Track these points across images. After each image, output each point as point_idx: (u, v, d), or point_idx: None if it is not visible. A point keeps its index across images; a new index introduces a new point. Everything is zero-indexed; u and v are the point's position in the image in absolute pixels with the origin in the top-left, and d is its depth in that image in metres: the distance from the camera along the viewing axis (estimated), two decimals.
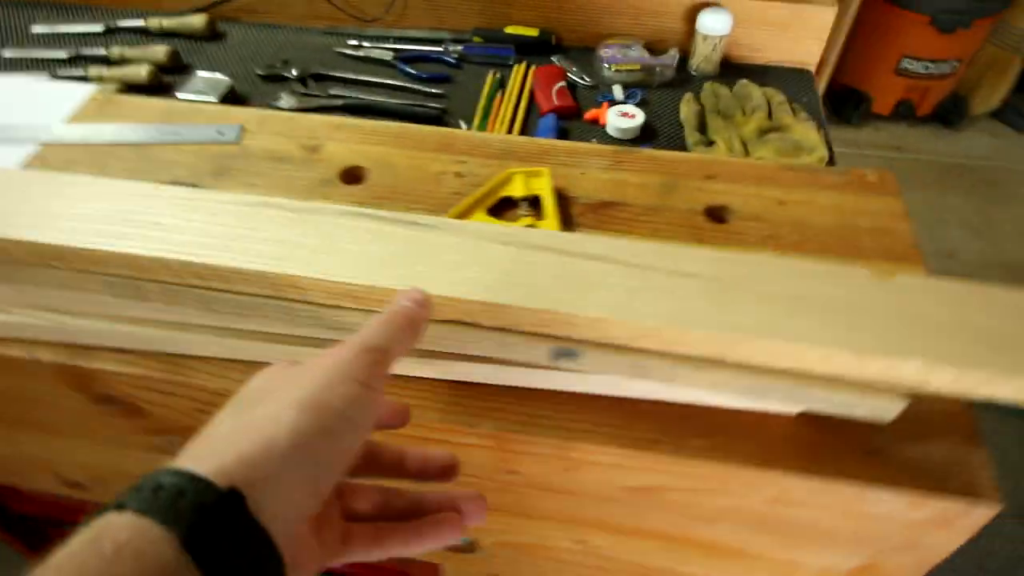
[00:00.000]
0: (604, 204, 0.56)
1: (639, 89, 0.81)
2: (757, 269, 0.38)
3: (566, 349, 0.39)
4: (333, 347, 0.30)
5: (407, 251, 0.39)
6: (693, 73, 0.84)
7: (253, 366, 0.47)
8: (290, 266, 0.39)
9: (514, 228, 0.41)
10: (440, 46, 0.87)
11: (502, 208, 0.56)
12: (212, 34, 0.87)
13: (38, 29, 0.88)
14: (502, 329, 0.40)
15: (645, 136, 0.75)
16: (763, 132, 0.70)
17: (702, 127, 0.73)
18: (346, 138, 0.62)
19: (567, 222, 0.55)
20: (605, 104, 0.78)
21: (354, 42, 0.86)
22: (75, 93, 0.65)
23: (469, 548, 0.61)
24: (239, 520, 0.23)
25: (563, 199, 0.57)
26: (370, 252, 0.39)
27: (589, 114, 0.77)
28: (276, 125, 0.64)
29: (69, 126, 0.62)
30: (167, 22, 0.87)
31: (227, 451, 0.25)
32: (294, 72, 0.80)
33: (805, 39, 0.81)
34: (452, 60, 0.85)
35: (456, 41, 0.88)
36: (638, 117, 0.74)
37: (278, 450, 0.25)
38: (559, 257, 0.39)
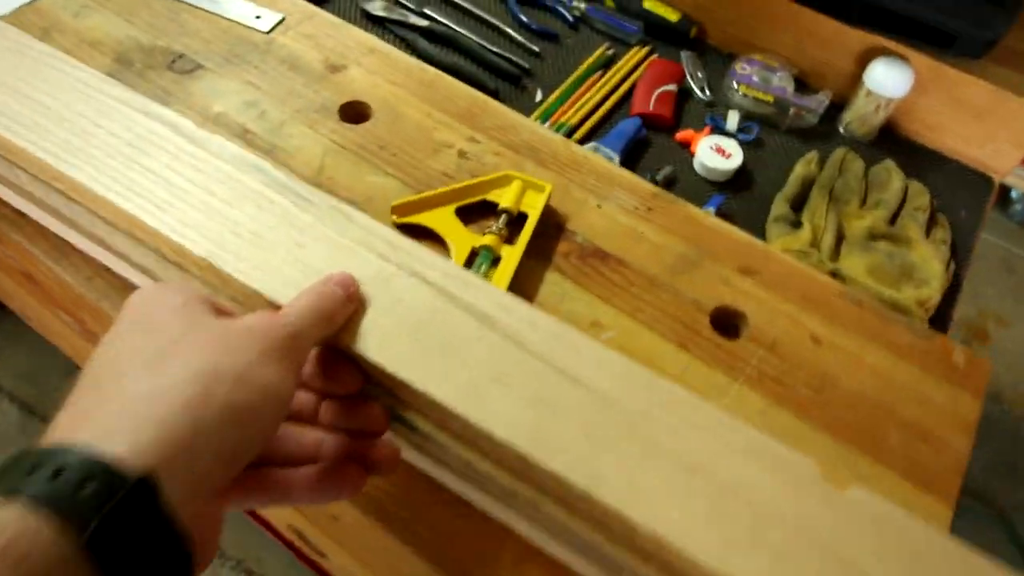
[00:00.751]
0: (599, 254, 0.47)
1: (759, 124, 0.67)
2: (676, 410, 0.29)
3: (396, 413, 0.33)
4: (253, 314, 0.28)
5: (271, 223, 0.34)
6: (840, 130, 0.69)
7: None
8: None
9: (399, 241, 0.34)
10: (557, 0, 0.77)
11: (477, 212, 0.49)
12: None
13: None
14: None
15: (733, 184, 0.63)
16: (874, 237, 0.56)
17: (801, 201, 0.59)
18: (374, 67, 0.57)
19: (540, 257, 0.47)
20: (707, 129, 0.66)
21: None
22: None
23: None
24: (151, 513, 0.21)
25: (555, 228, 0.49)
26: (224, 212, 0.34)
27: (682, 134, 0.66)
28: (317, 28, 0.60)
29: None
30: None
31: (144, 426, 0.22)
32: None
33: (1001, 137, 0.63)
34: (570, 18, 0.75)
35: None
36: (734, 159, 0.62)
37: (204, 431, 0.23)
38: (433, 295, 0.32)
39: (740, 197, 0.63)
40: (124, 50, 0.56)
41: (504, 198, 0.48)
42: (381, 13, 0.74)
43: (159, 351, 0.25)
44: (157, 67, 0.55)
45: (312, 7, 0.61)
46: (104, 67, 0.54)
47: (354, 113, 0.55)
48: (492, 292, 0.34)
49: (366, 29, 0.72)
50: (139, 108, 0.38)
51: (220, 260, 0.34)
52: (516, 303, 0.33)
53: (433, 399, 0.30)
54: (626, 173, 0.53)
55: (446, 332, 0.32)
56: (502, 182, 0.49)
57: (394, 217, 0.47)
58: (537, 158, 0.53)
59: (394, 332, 0.32)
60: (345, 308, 0.31)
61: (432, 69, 0.58)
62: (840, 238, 0.56)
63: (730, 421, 0.30)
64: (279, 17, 0.60)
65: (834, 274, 0.53)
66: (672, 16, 0.74)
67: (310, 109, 0.54)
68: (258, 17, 0.60)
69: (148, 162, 0.35)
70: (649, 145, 0.66)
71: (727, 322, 0.46)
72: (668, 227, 0.50)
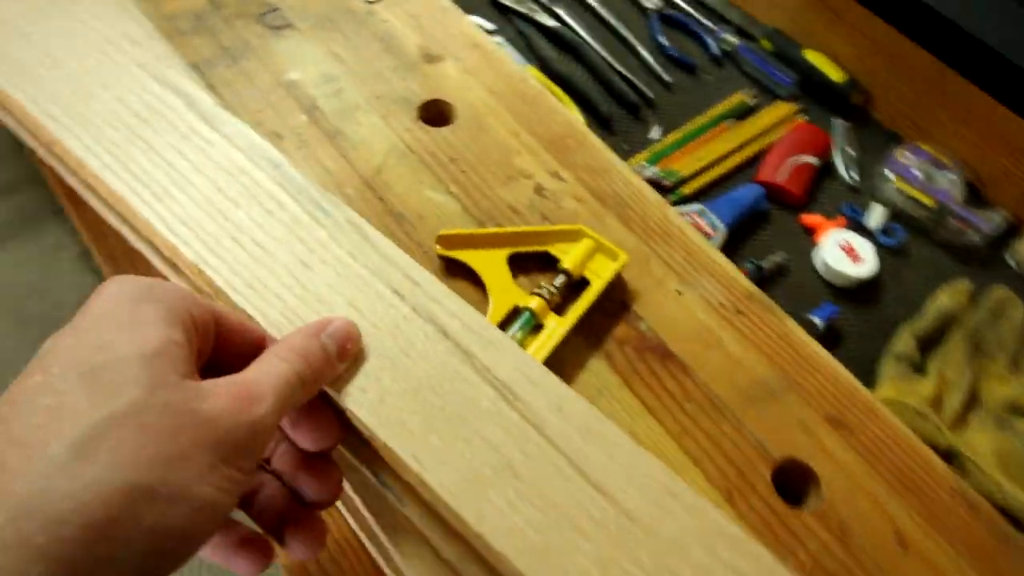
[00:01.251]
0: (662, 351, 0.41)
1: (907, 229, 0.57)
2: (720, 547, 0.25)
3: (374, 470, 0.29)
4: (226, 391, 0.23)
5: (277, 233, 0.31)
6: (1009, 262, 0.58)
7: None
8: None
9: (421, 276, 0.30)
10: (716, 26, 0.69)
11: (534, 264, 0.43)
12: None
13: None
14: None
15: (856, 294, 0.54)
16: (1018, 412, 0.45)
17: (934, 341, 0.49)
18: (473, 66, 0.52)
19: (589, 335, 0.40)
20: (841, 219, 0.57)
21: None
22: None
23: None
24: None
25: (618, 305, 0.42)
26: (227, 211, 0.30)
27: (810, 217, 0.57)
28: (424, 8, 0.56)
29: None
30: None
31: (29, 558, 0.18)
32: None
33: None
34: (716, 51, 0.67)
35: (740, 32, 0.69)
36: (865, 265, 0.53)
37: (113, 563, 0.19)
38: (449, 351, 0.29)
39: (860, 312, 0.54)
40: None
41: (569, 257, 0.42)
42: (511, 3, 0.69)
43: (94, 427, 0.20)
44: (247, 16, 0.52)
45: None
46: (195, 5, 0.52)
47: (435, 113, 0.50)
48: (519, 358, 0.29)
49: (487, 17, 0.67)
50: (154, 74, 0.35)
51: (211, 270, 0.30)
52: (546, 377, 0.29)
53: (425, 482, 0.25)
54: (722, 260, 0.45)
55: (456, 399, 0.27)
56: (572, 236, 0.43)
57: (438, 247, 0.42)
58: (622, 214, 0.46)
59: (394, 390, 0.27)
60: (332, 370, 0.27)
61: (535, 84, 0.52)
62: (972, 403, 0.46)
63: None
64: None
65: (949, 454, 0.43)
66: (836, 75, 0.64)
67: (390, 98, 0.49)
68: None
69: (153, 138, 0.32)
70: (767, 221, 0.58)
71: (793, 483, 0.38)
72: (755, 340, 0.42)
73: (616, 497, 0.26)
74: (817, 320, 0.50)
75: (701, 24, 0.70)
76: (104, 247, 0.46)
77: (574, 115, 0.61)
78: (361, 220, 0.33)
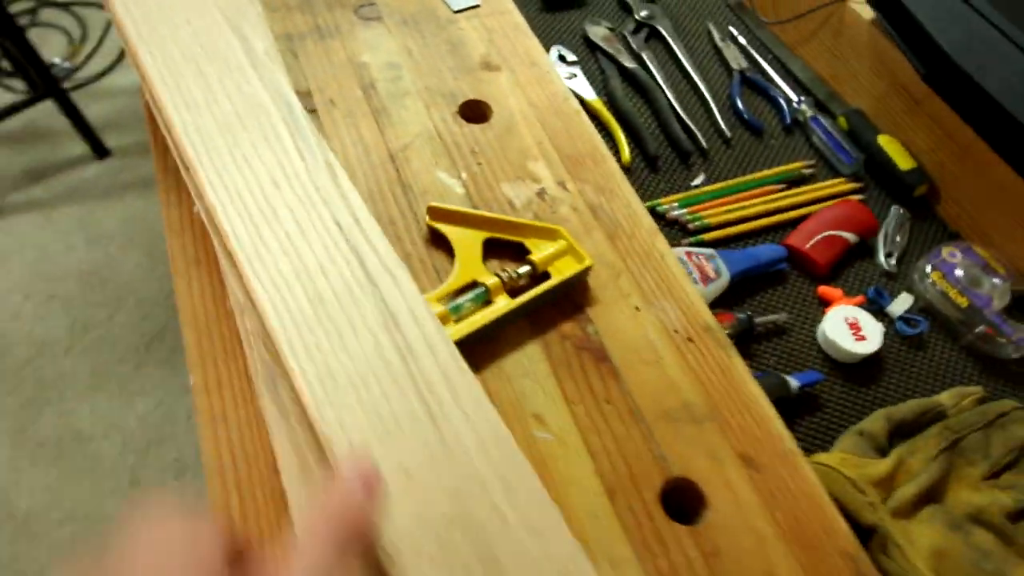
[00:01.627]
0: (600, 355, 0.45)
1: (931, 323, 0.56)
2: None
3: None
4: None
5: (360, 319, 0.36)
6: None
7: None
8: None
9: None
10: (797, 95, 0.71)
11: (508, 251, 0.48)
12: None
13: None
14: None
15: (854, 373, 0.54)
16: (978, 522, 0.43)
17: (909, 434, 0.48)
18: (524, 79, 0.60)
19: (536, 324, 0.45)
20: (860, 298, 0.56)
21: (733, 31, 0.76)
22: None
23: None
24: None
25: (572, 307, 0.46)
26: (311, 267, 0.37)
27: (827, 290, 0.58)
28: (499, 24, 0.64)
29: None
30: None
31: None
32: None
33: None
34: (787, 120, 0.69)
35: (818, 106, 0.70)
36: (867, 344, 0.53)
37: None
38: (361, 274, 0.33)
39: (851, 389, 0.53)
40: None
41: (538, 250, 0.46)
42: (599, 41, 0.75)
43: None
44: (347, 5, 0.62)
45: (509, 5, 0.64)
46: None
47: (474, 111, 0.56)
48: (413, 296, 0.34)
49: (574, 49, 0.74)
50: (228, 20, 0.44)
51: (285, 345, 0.35)
52: (428, 318, 0.35)
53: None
54: (691, 289, 0.47)
55: (350, 313, 0.34)
56: (547, 234, 0.47)
57: (428, 217, 0.48)
58: (611, 232, 0.50)
59: (303, 298, 0.33)
60: (368, 515, 0.25)
61: (575, 105, 0.57)
62: (929, 499, 0.44)
63: None
64: (475, 3, 0.64)
65: (874, 531, 0.41)
66: (904, 163, 0.64)
67: (439, 91, 0.57)
68: None
69: (248, 149, 0.39)
70: (782, 283, 0.58)
71: (682, 500, 0.39)
72: (695, 368, 0.44)
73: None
74: (793, 382, 0.50)
75: (782, 92, 0.72)
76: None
77: (622, 147, 0.65)
78: (336, 163, 0.39)
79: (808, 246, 0.59)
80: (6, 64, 1.81)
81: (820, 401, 0.52)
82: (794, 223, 0.62)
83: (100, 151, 1.68)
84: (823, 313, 0.56)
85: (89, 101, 1.78)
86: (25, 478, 1.27)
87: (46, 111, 1.72)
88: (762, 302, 0.57)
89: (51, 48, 1.90)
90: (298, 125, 0.40)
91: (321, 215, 0.36)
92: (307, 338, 0.35)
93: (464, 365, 0.37)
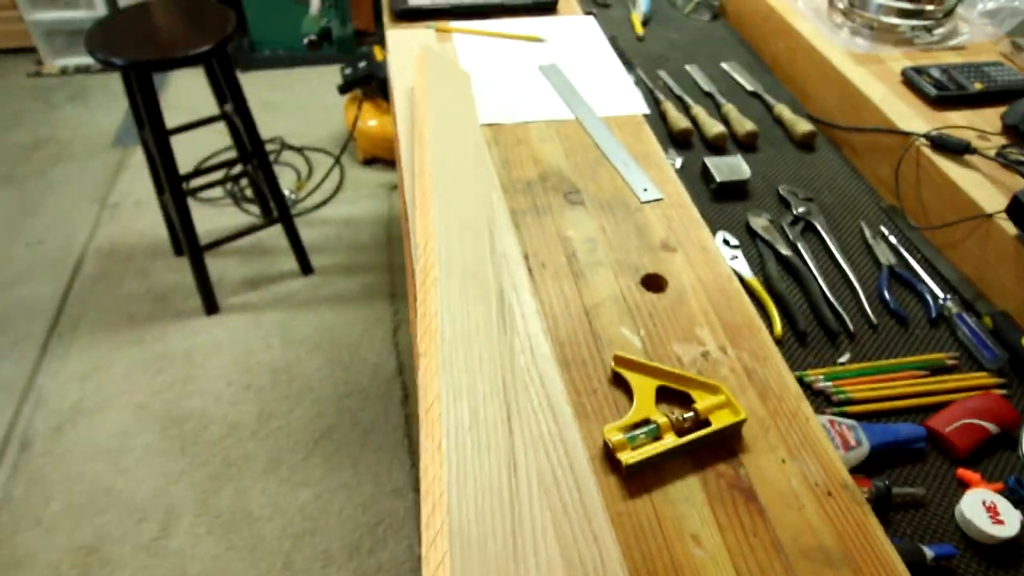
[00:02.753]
0: (749, 495, 0.54)
1: None
2: None
3: None
4: None
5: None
6: None
7: None
8: None
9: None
10: (944, 293, 0.79)
11: (676, 399, 0.59)
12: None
13: None
14: None
15: (990, 555, 0.57)
16: None
17: None
18: (695, 260, 0.72)
19: (695, 461, 0.55)
20: (998, 485, 0.61)
21: (884, 230, 0.87)
22: None
23: None
24: None
25: (726, 451, 0.56)
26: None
27: (967, 472, 0.63)
28: (678, 215, 0.78)
29: None
30: None
31: None
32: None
33: None
34: (933, 313, 0.77)
35: (964, 304, 0.78)
36: (1007, 528, 0.57)
37: None
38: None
39: (980, 569, 0.56)
40: (549, 171, 0.83)
41: (702, 401, 0.57)
42: (759, 230, 0.88)
43: None
44: (558, 191, 0.80)
45: (687, 200, 0.79)
46: (530, 176, 0.82)
47: (653, 282, 0.70)
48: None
49: (736, 234, 0.87)
50: (488, 217, 0.61)
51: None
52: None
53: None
54: (831, 450, 0.55)
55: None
56: (710, 389, 0.58)
57: (613, 363, 0.61)
58: (762, 392, 0.60)
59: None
60: None
61: (737, 284, 0.70)
62: None
63: None
64: (659, 197, 0.80)
65: None
66: None
67: (626, 264, 0.72)
68: (645, 190, 0.81)
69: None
70: (919, 462, 0.64)
71: None
72: (833, 519, 0.51)
73: None
74: (928, 552, 0.56)
75: (928, 288, 0.80)
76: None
77: (774, 320, 0.76)
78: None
79: (948, 429, 0.65)
80: (248, 192, 2.24)
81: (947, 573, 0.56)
82: (935, 408, 0.68)
83: (306, 269, 2.01)
84: (961, 494, 0.61)
85: (304, 227, 2.16)
86: (200, 545, 1.45)
87: (271, 232, 2.10)
88: (900, 476, 0.63)
89: (283, 181, 2.33)
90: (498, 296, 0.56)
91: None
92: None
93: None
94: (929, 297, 0.79)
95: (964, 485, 0.63)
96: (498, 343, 0.47)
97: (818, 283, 0.81)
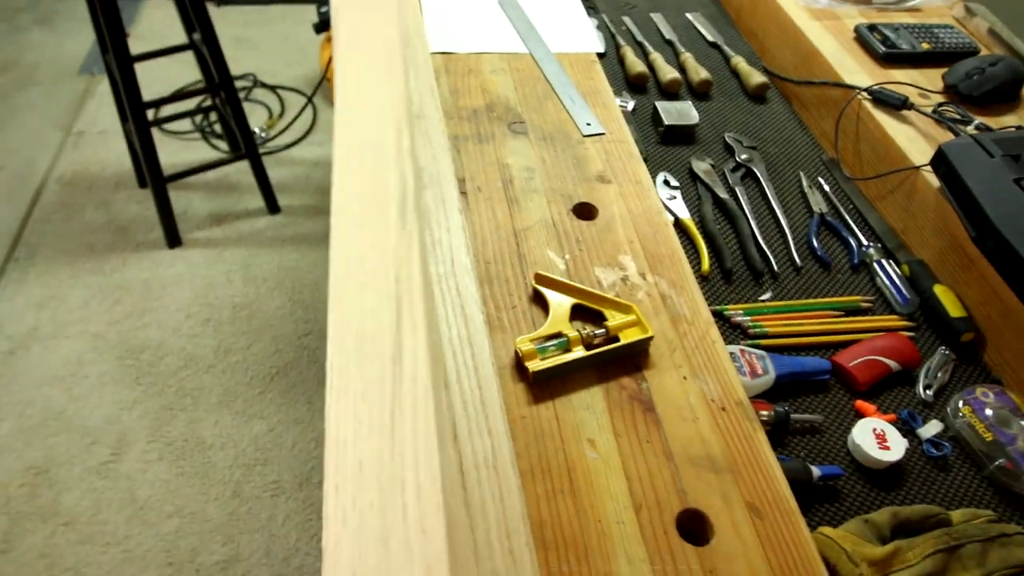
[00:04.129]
0: (648, 407, 0.56)
1: (955, 450, 0.63)
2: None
3: None
4: None
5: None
6: None
7: None
8: None
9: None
10: (868, 240, 0.82)
11: (589, 316, 0.61)
12: None
13: None
14: None
15: (875, 478, 0.61)
16: None
17: (911, 533, 0.55)
18: (628, 193, 0.73)
19: (601, 373, 0.57)
20: (892, 416, 0.65)
21: (821, 181, 0.88)
22: None
23: None
24: None
25: (632, 366, 0.58)
26: None
27: (863, 404, 0.66)
28: (617, 150, 0.79)
29: None
30: None
31: None
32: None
33: None
34: (855, 260, 0.80)
35: (886, 252, 0.81)
36: (890, 454, 0.61)
37: None
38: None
39: (870, 491, 0.60)
40: (496, 102, 0.83)
41: (613, 319, 0.59)
42: (701, 173, 0.90)
43: None
44: (503, 121, 0.81)
45: (627, 136, 0.80)
46: (478, 105, 0.82)
47: (584, 211, 0.72)
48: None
49: (677, 176, 0.89)
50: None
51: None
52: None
53: None
54: (732, 372, 0.58)
55: None
56: (623, 308, 0.60)
57: (533, 281, 0.62)
58: (674, 317, 0.62)
59: None
60: None
61: (666, 217, 0.72)
62: None
63: None
64: (601, 131, 0.81)
65: None
66: (955, 311, 0.73)
67: (560, 192, 0.73)
68: (588, 124, 0.82)
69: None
70: (823, 392, 0.67)
71: (693, 526, 0.49)
72: (724, 432, 0.54)
73: None
74: (816, 470, 0.59)
75: (855, 236, 0.83)
76: None
77: (703, 257, 0.78)
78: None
79: (851, 364, 0.68)
80: (218, 128, 2.21)
81: (839, 495, 0.60)
82: (844, 345, 0.71)
83: (273, 208, 2.00)
84: (857, 414, 0.65)
85: (273, 166, 2.13)
86: (151, 470, 1.47)
87: (239, 169, 2.08)
88: (802, 405, 0.66)
89: (253, 119, 2.30)
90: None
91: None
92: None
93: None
94: (854, 244, 0.82)
95: (860, 416, 0.66)
96: (395, 237, 0.49)
97: (750, 226, 0.83)
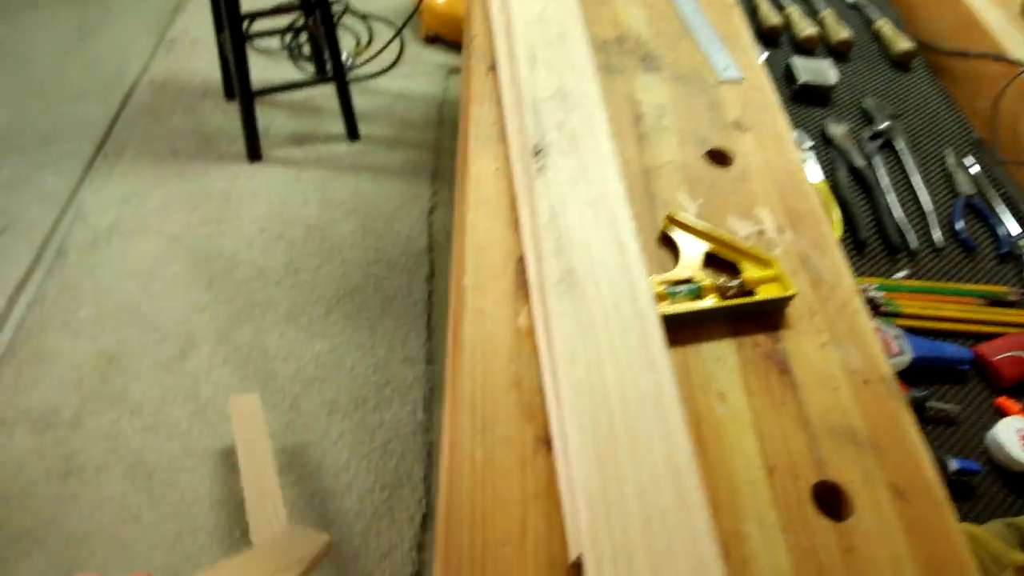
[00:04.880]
0: (784, 368, 0.51)
1: None
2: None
3: None
4: None
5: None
6: None
7: None
8: None
9: None
10: (1019, 229, 0.74)
11: (724, 267, 0.56)
12: None
13: None
14: None
15: (1015, 481, 0.55)
16: None
17: None
18: (766, 141, 0.67)
19: (734, 328, 0.52)
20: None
21: (968, 160, 0.81)
22: None
23: None
24: None
25: (768, 325, 0.53)
26: None
27: (1007, 401, 0.60)
28: (759, 99, 0.72)
29: None
30: None
31: None
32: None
33: None
34: (1004, 248, 0.73)
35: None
36: None
37: None
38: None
39: (1002, 493, 0.55)
40: (628, 35, 0.77)
41: (750, 272, 0.54)
42: (836, 137, 0.82)
43: None
44: (635, 54, 0.75)
45: (767, 85, 0.74)
46: (609, 36, 0.76)
47: (719, 157, 0.66)
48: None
49: (812, 137, 0.82)
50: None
51: None
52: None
53: None
54: (877, 344, 0.52)
55: None
56: (763, 262, 0.55)
57: (665, 221, 0.57)
58: (815, 280, 0.57)
59: None
60: None
61: (805, 174, 0.65)
62: None
63: None
64: (739, 77, 0.74)
65: None
66: None
67: (692, 134, 0.67)
68: (726, 68, 0.75)
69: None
70: (960, 383, 0.61)
71: (830, 499, 0.44)
72: (864, 403, 0.49)
73: None
74: (952, 463, 0.53)
75: (1003, 224, 0.75)
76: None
77: (835, 223, 0.71)
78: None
79: (997, 358, 0.61)
80: (306, 50, 2.18)
81: (974, 492, 0.54)
82: (986, 337, 0.65)
83: (353, 134, 1.97)
84: (996, 420, 0.59)
85: (357, 93, 2.10)
86: (215, 372, 1.49)
87: (323, 93, 2.05)
88: (937, 393, 0.60)
89: (341, 45, 2.26)
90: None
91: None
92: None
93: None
94: (1002, 232, 0.74)
95: (1002, 413, 0.60)
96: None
97: (886, 200, 0.76)
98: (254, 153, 1.88)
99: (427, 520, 1.31)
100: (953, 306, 0.67)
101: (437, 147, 2.04)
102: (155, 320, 1.55)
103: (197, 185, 1.83)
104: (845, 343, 0.53)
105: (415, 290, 1.70)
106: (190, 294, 1.61)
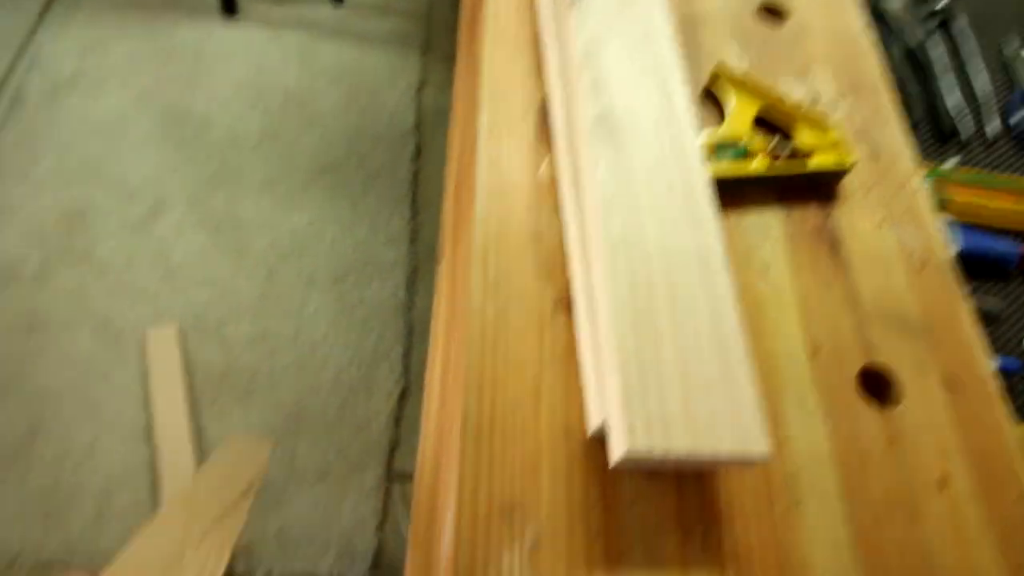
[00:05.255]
0: (834, 242, 0.45)
1: None
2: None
3: None
4: None
5: None
6: None
7: None
8: None
9: None
10: None
11: (775, 129, 0.49)
12: None
13: None
14: None
15: None
16: None
17: None
18: (837, 5, 0.58)
19: (783, 198, 0.47)
20: None
21: None
22: None
23: None
24: None
25: (821, 201, 0.48)
26: None
27: None
28: None
29: None
30: None
31: None
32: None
33: None
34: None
35: None
36: None
37: None
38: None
39: None
40: None
41: (804, 136, 0.48)
42: (890, 13, 0.74)
43: None
44: None
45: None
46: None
47: (773, 12, 0.58)
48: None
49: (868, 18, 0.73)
50: None
51: None
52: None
53: None
54: (936, 227, 0.47)
55: None
56: (819, 125, 0.49)
57: (712, 75, 0.50)
58: (874, 154, 0.51)
59: None
60: None
61: (868, 42, 0.58)
62: None
63: None
64: None
65: None
66: None
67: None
68: None
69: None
70: (1006, 280, 0.57)
71: (878, 384, 0.40)
72: (921, 287, 0.44)
73: None
74: (994, 360, 0.50)
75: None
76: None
77: None
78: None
79: None
80: None
81: (1013, 391, 0.51)
82: None
83: None
84: None
85: None
86: (186, 236, 1.41)
87: None
88: (981, 288, 0.56)
89: None
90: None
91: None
92: None
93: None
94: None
95: None
96: None
97: (940, 83, 0.69)
98: (230, 6, 1.72)
99: (405, 395, 1.29)
100: (1006, 200, 0.61)
101: (428, 17, 1.89)
102: (122, 178, 1.44)
103: (166, 38, 1.67)
104: (903, 224, 0.47)
105: (400, 169, 1.60)
106: (160, 154, 1.50)
